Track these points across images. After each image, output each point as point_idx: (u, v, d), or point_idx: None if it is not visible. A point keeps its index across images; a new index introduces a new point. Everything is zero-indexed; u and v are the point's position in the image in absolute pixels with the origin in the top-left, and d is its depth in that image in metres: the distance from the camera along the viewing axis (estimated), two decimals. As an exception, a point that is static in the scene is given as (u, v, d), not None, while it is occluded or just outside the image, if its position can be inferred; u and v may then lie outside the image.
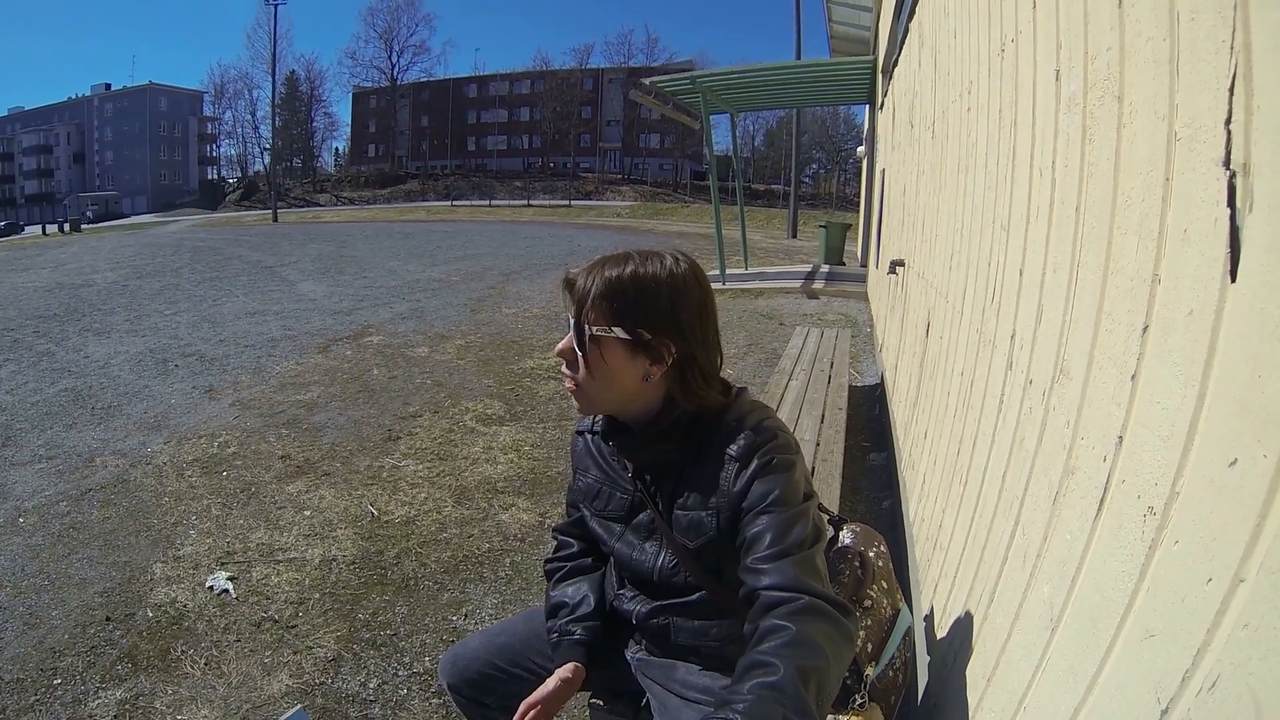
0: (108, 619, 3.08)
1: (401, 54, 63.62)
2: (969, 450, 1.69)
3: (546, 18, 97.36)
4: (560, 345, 1.15)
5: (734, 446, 1.10)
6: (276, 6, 48.58)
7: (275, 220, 40.81)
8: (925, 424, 2.54)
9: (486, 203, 48.73)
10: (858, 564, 1.34)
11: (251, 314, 10.79)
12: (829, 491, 2.66)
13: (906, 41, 4.94)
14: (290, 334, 9.33)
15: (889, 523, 3.36)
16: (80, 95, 71.11)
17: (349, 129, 70.73)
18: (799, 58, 20.37)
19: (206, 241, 24.45)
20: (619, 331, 1.10)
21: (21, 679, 2.69)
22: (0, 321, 10.97)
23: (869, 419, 5.11)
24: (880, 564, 1.38)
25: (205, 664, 2.71)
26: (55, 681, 2.67)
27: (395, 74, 64.26)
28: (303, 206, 54.82)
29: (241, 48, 62.12)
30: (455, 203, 49.75)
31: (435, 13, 63.93)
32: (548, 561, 1.44)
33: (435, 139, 65.53)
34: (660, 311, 1.10)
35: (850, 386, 4.58)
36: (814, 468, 2.96)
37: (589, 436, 1.33)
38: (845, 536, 1.41)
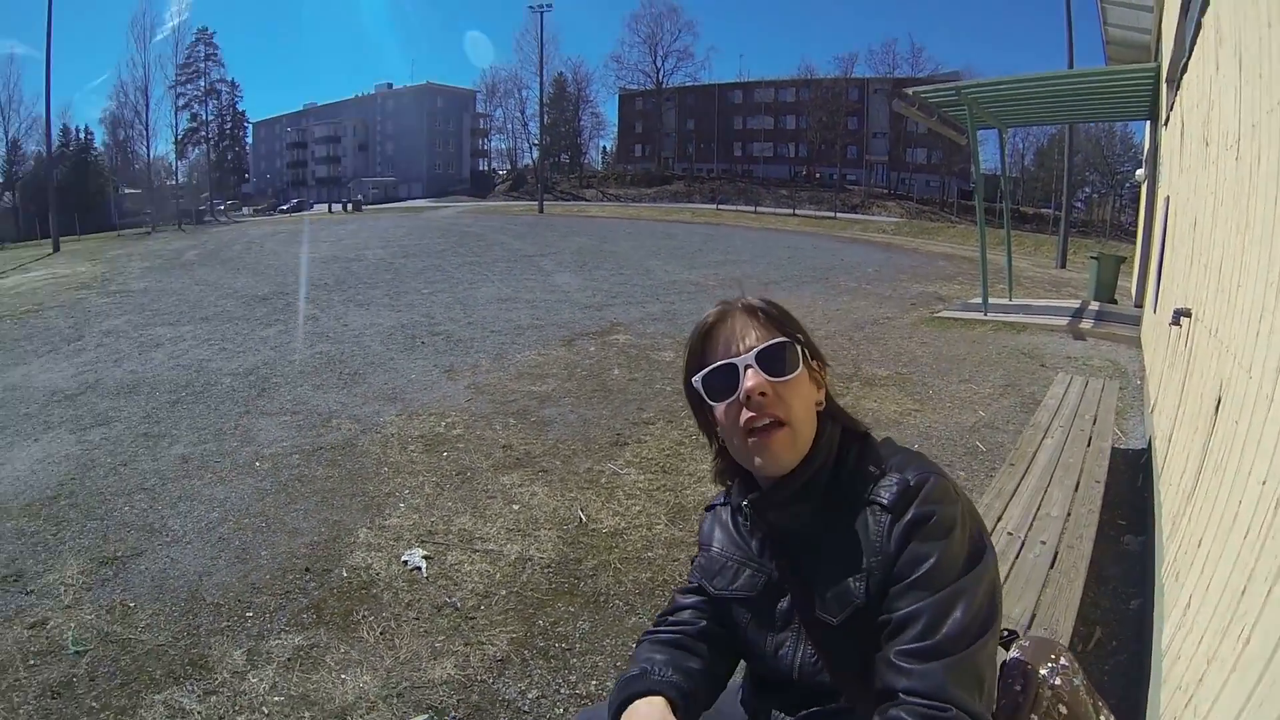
0: (307, 570, 3.79)
1: (666, 59, 74.68)
2: (1261, 596, 1.53)
3: (809, 26, 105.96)
4: (754, 381, 1.19)
5: (885, 494, 1.14)
6: (542, 14, 58.52)
7: (541, 211, 48.12)
8: (1201, 529, 2.46)
9: (752, 209, 53.52)
10: (1018, 686, 1.29)
11: (504, 300, 12.58)
12: (1069, 591, 2.73)
13: (1199, 40, 4.84)
14: (537, 324, 10.68)
15: (1133, 632, 3.23)
16: (365, 93, 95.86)
17: (615, 129, 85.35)
18: (1071, 67, 22.11)
19: (473, 227, 29.49)
20: (805, 352, 1.25)
21: (220, 604, 3.47)
22: (279, 287, 14.57)
23: (1129, 490, 4.91)
24: (1057, 684, 1.30)
25: (380, 633, 3.19)
26: (248, 614, 3.38)
27: (660, 78, 75.59)
28: (569, 200, 65.61)
29: (511, 52, 78.97)
30: (720, 206, 55.52)
31: (698, 19, 76.40)
32: (650, 630, 1.42)
33: (701, 142, 76.79)
34: (807, 335, 1.28)
35: (1112, 448, 4.77)
36: (1057, 552, 3.05)
37: (718, 509, 1.42)
38: (1011, 650, 1.39)
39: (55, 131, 59.71)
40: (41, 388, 7.85)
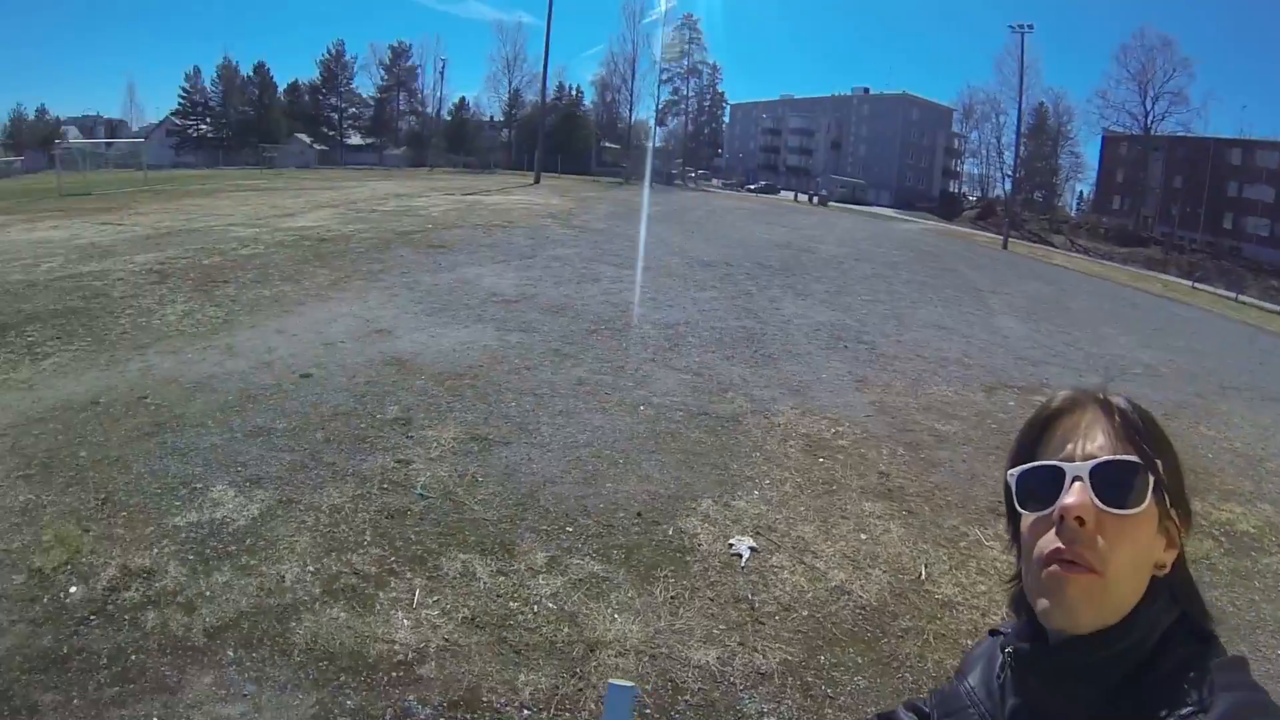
0: (638, 514, 4.09)
1: (1156, 101, 67.85)
2: None
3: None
4: (1077, 499, 0.93)
5: (1200, 715, 0.85)
6: (1023, 35, 54.65)
7: (1005, 247, 45.93)
8: None
9: (1233, 295, 45.75)
10: None
11: (939, 328, 12.07)
12: None
13: None
14: (965, 361, 10.10)
15: None
16: (842, 94, 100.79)
17: (1095, 173, 79.82)
18: None
19: (932, 248, 28.79)
20: (1164, 489, 0.96)
21: (549, 510, 3.99)
22: (726, 256, 15.68)
23: None
24: None
25: (670, 597, 3.34)
26: (567, 529, 3.83)
27: (1149, 122, 68.66)
28: (1034, 241, 61.59)
29: (991, 72, 76.39)
30: (1196, 285, 48.63)
31: (1197, 57, 64.04)
32: None
33: (1187, 205, 68.86)
34: (1178, 470, 0.99)
35: None
36: None
37: (998, 639, 1.15)
38: None
39: (551, 86, 73.32)
40: (487, 288, 9.64)
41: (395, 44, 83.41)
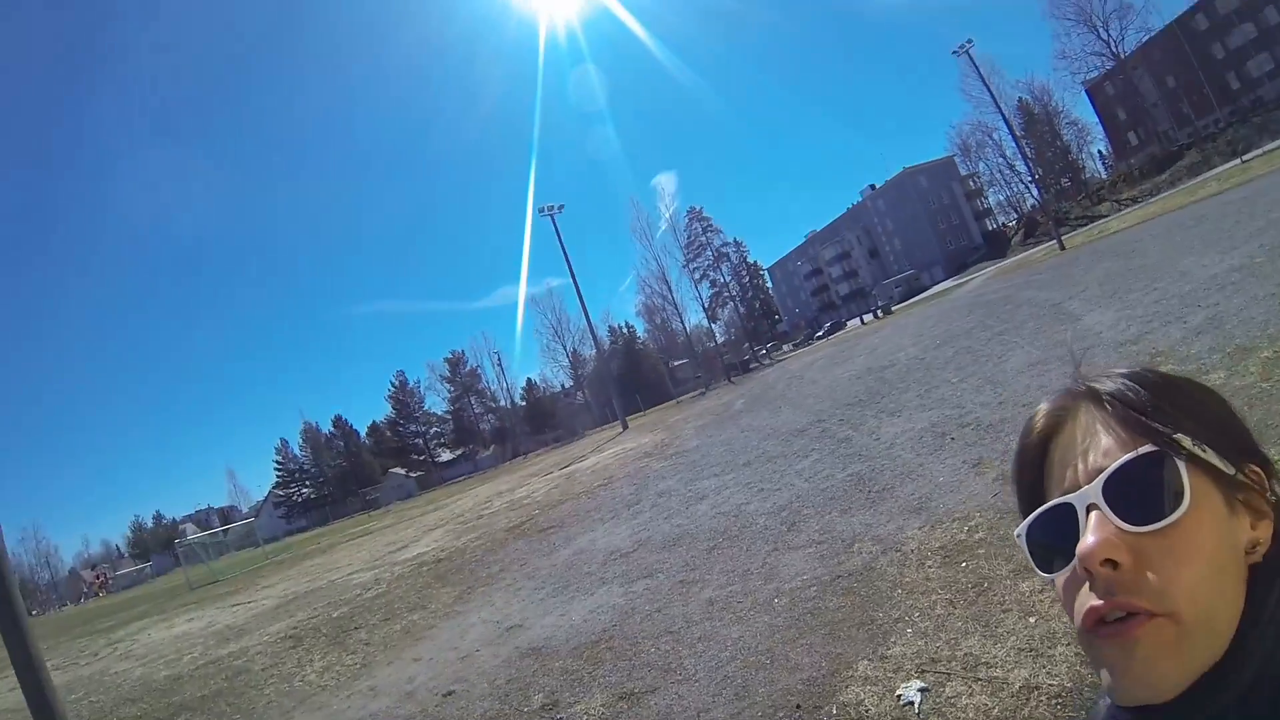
0: (797, 707, 3.91)
1: (1107, 25, 68.12)
2: None
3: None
4: (1097, 538, 0.69)
5: None
6: (969, 52, 56.26)
7: (1062, 248, 44.63)
8: None
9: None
10: None
11: (1034, 365, 11.62)
12: None
13: None
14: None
15: None
16: (855, 202, 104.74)
17: (1100, 127, 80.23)
18: None
19: (999, 292, 28.18)
20: (1213, 457, 0.72)
21: None
22: (815, 414, 15.61)
23: None
24: None
25: None
26: None
27: (1115, 49, 69.30)
28: (1086, 224, 60.28)
29: (965, 103, 78.51)
30: (1244, 158, 46.77)
31: None
32: None
33: (1191, 96, 67.69)
34: (1226, 419, 0.77)
35: None
36: None
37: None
38: None
39: (602, 332, 78.67)
40: (603, 549, 9.77)
41: (449, 356, 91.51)
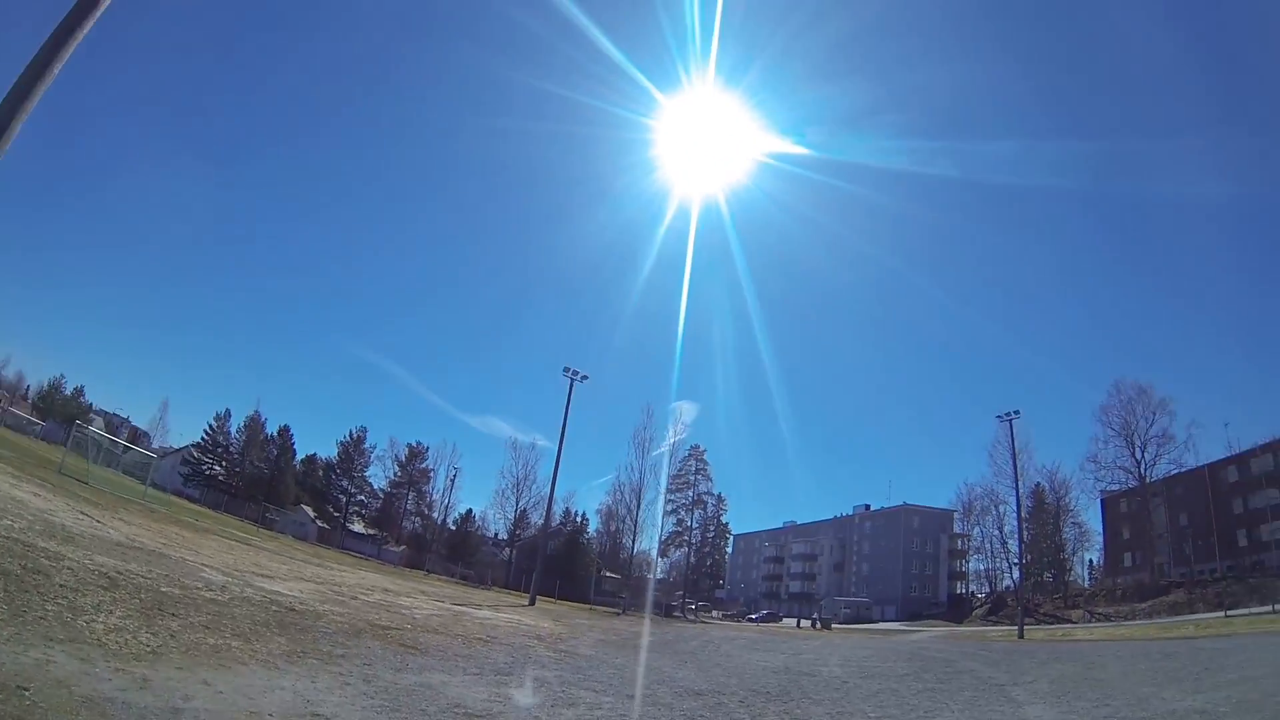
0: None
1: (1144, 448, 68.57)
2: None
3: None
4: None
5: None
6: (1011, 422, 56.97)
7: (1021, 636, 43.94)
8: None
9: (1269, 608, 44.77)
10: None
11: (960, 738, 10.67)
12: None
13: None
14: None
15: None
16: (844, 515, 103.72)
17: (1101, 538, 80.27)
18: None
19: (942, 653, 27.19)
20: None
21: None
22: (719, 685, 14.42)
23: None
24: None
25: None
26: None
27: (1142, 471, 69.16)
28: (1052, 623, 59.14)
29: (985, 464, 79.74)
30: (1229, 613, 46.67)
31: (1173, 395, 68.15)
32: None
33: (1197, 539, 68.38)
34: None
35: None
36: None
37: None
38: None
39: (557, 511, 76.00)
40: (451, 698, 8.78)
41: (414, 444, 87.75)
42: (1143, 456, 68.48)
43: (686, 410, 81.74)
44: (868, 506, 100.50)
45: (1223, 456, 68.43)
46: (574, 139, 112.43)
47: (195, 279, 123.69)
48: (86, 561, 10.92)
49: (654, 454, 73.82)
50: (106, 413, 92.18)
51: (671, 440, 76.42)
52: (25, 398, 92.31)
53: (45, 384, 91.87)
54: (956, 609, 78.28)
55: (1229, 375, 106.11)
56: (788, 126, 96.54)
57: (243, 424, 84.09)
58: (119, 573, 10.98)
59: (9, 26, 78.10)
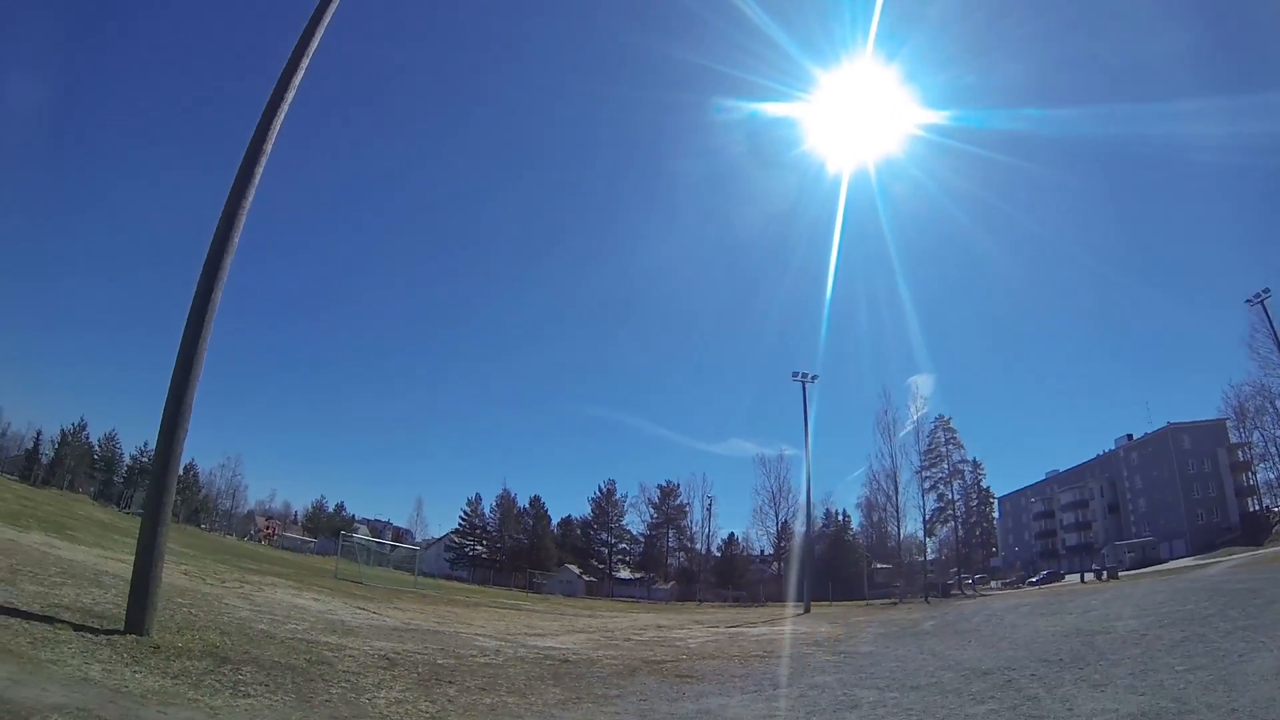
0: None
1: None
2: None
3: None
4: None
5: None
6: (1264, 303, 51.46)
7: None
8: None
9: None
10: None
11: (1285, 673, 9.82)
12: None
13: None
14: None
15: None
16: (1107, 450, 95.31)
17: None
18: None
19: (1246, 583, 24.38)
20: None
21: None
22: (1006, 661, 13.98)
23: None
24: None
25: None
26: None
27: None
28: None
29: (1249, 361, 67.20)
30: None
31: None
32: None
33: None
34: None
35: None
36: None
37: None
38: None
39: (819, 514, 76.62)
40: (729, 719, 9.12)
41: (664, 484, 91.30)
42: None
43: (923, 383, 79.47)
44: (1130, 436, 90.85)
45: None
46: (740, 126, 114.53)
47: (423, 383, 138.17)
48: (365, 647, 12.02)
49: (901, 435, 72.48)
50: (369, 520, 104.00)
51: (915, 416, 74.89)
52: (295, 521, 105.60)
53: (310, 506, 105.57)
54: (1253, 530, 68.93)
55: None
56: (941, 99, 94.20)
57: (495, 503, 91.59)
58: (397, 653, 12.03)
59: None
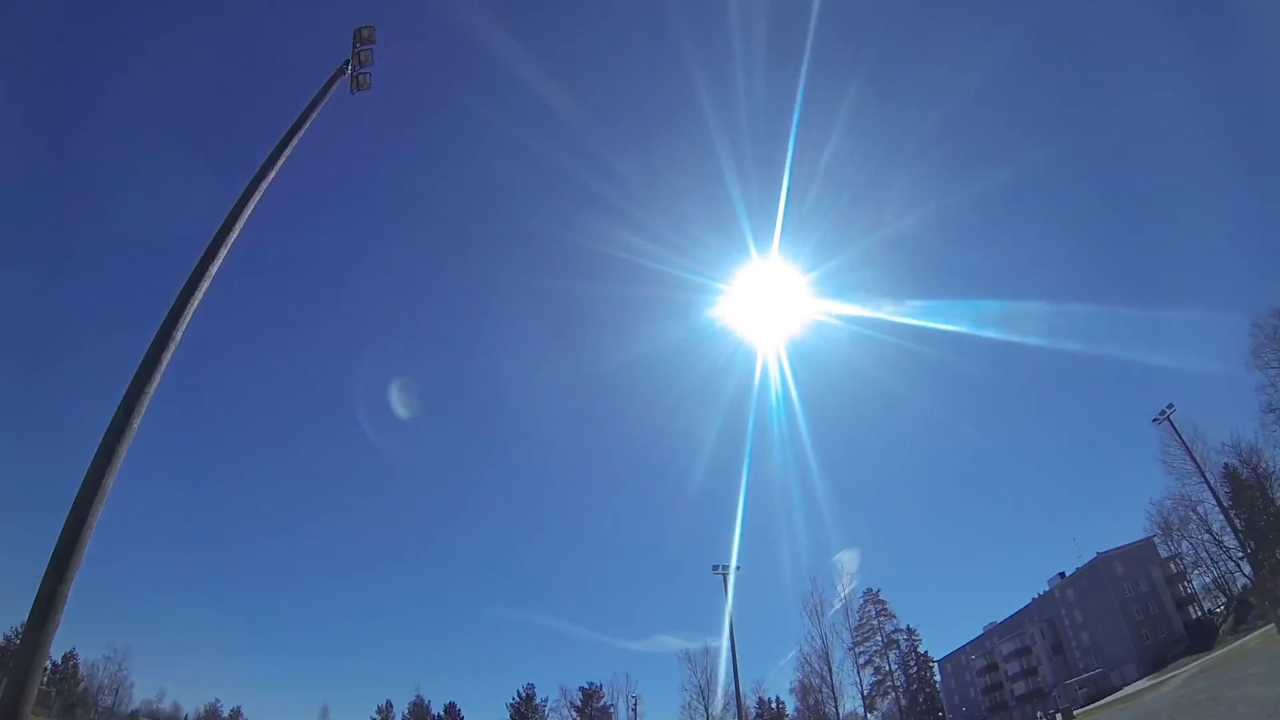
0: None
1: None
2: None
3: None
4: None
5: None
6: (1169, 417, 53.68)
7: None
8: None
9: None
10: None
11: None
12: None
13: None
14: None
15: None
16: (1042, 592, 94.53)
17: None
18: None
19: (1205, 692, 24.02)
20: None
21: None
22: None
23: None
24: None
25: None
26: None
27: None
28: None
29: (1165, 476, 69.77)
30: None
31: None
32: None
33: None
34: None
35: None
36: None
37: None
38: None
39: (751, 703, 74.02)
40: None
41: (586, 686, 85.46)
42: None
43: (849, 559, 79.48)
44: (1063, 574, 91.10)
45: None
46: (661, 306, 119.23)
47: (337, 587, 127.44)
48: None
49: (830, 614, 72.90)
50: None
51: (843, 593, 75.31)
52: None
53: (203, 710, 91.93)
54: (1200, 637, 68.45)
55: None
56: (839, 292, 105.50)
57: (407, 710, 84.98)
58: None
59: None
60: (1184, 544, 76.14)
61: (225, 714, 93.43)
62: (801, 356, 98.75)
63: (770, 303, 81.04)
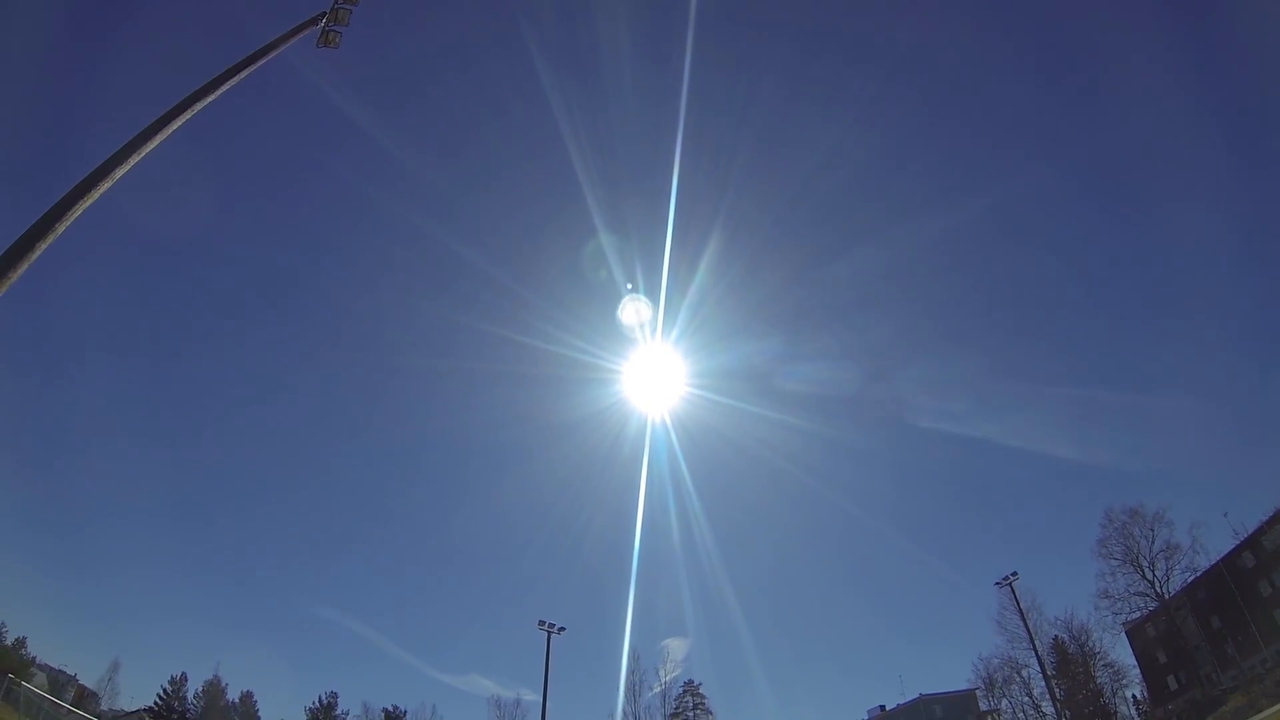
0: None
1: (1153, 566, 64.90)
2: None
3: None
4: None
5: None
6: (1011, 585, 56.52)
7: None
8: None
9: None
10: None
11: None
12: None
13: None
14: None
15: None
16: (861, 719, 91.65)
17: (1138, 670, 72.54)
18: None
19: None
20: None
21: None
22: None
23: None
24: None
25: None
26: None
27: (1159, 589, 65.08)
28: None
29: (996, 636, 71.30)
30: None
31: (1169, 502, 65.09)
32: None
33: (1235, 636, 62.34)
34: None
35: None
36: None
37: None
38: None
39: None
40: None
41: (390, 708, 77.55)
42: (1154, 575, 64.55)
43: (676, 647, 76.71)
44: (883, 707, 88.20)
45: (1232, 546, 63.54)
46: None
47: (151, 531, 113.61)
48: None
49: (648, 696, 70.21)
50: (51, 669, 79.34)
51: (664, 679, 72.43)
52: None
53: None
54: None
55: (1211, 462, 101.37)
56: (722, 370, 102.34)
57: (201, 688, 75.72)
58: None
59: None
60: (1004, 701, 76.11)
61: (8, 641, 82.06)
62: (682, 425, 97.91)
63: (649, 383, 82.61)
